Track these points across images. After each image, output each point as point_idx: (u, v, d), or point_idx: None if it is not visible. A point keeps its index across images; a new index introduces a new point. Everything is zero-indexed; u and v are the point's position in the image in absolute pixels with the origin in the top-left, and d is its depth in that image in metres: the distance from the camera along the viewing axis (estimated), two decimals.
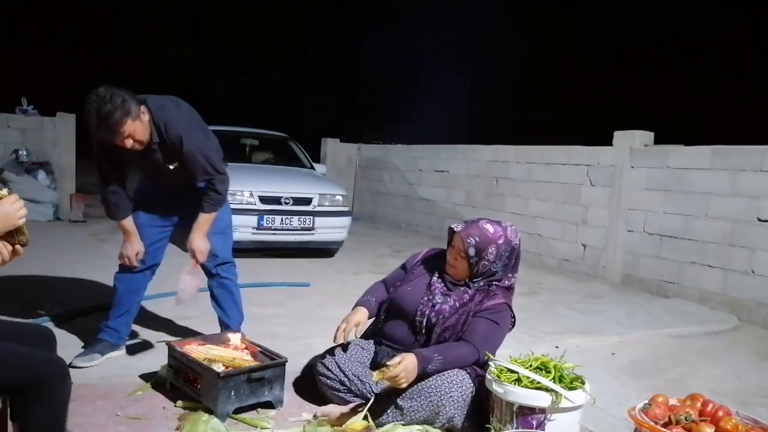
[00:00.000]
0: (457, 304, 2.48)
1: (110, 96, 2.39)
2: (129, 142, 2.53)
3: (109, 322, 3.01)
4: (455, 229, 2.51)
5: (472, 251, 2.45)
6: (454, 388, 2.31)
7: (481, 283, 2.52)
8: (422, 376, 2.30)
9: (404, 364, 2.24)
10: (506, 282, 2.57)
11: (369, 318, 2.66)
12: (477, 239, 2.46)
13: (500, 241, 2.49)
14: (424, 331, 2.49)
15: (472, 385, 2.35)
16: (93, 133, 2.50)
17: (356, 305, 2.66)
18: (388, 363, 2.29)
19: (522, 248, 2.65)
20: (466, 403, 2.33)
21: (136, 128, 2.51)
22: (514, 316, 2.61)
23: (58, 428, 1.81)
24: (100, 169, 2.80)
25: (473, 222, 2.55)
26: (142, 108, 2.54)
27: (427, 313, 2.49)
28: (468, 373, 2.37)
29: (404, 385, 2.27)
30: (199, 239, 2.86)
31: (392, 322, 2.61)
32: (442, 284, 2.56)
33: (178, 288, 2.98)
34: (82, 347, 3.05)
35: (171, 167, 2.77)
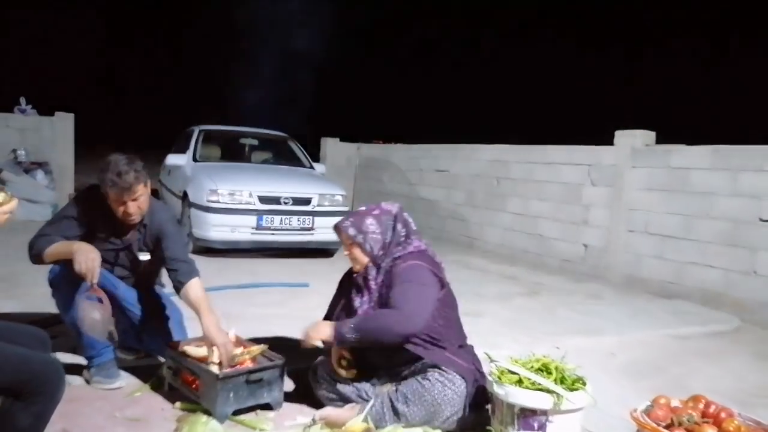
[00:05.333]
0: (367, 296, 2.50)
1: (131, 160, 2.58)
2: (132, 206, 2.60)
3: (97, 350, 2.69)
4: (335, 225, 2.60)
5: (351, 231, 2.50)
6: (448, 387, 2.31)
7: (382, 264, 2.49)
8: (400, 371, 2.38)
9: (319, 329, 2.39)
10: (407, 250, 2.51)
11: None
12: (352, 219, 2.54)
13: (375, 212, 2.55)
14: None
15: (464, 382, 2.35)
16: (104, 189, 2.55)
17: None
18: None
19: (410, 219, 2.62)
20: (462, 401, 2.34)
21: (143, 194, 2.63)
22: (437, 276, 2.48)
23: (41, 430, 1.80)
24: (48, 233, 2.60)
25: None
26: (148, 183, 2.68)
27: None
28: (459, 372, 2.36)
29: (315, 341, 2.40)
30: (219, 332, 2.50)
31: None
32: (354, 288, 2.56)
33: (86, 323, 2.49)
34: (87, 365, 2.75)
35: (141, 258, 2.80)
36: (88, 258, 2.41)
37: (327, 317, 2.68)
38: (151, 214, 2.77)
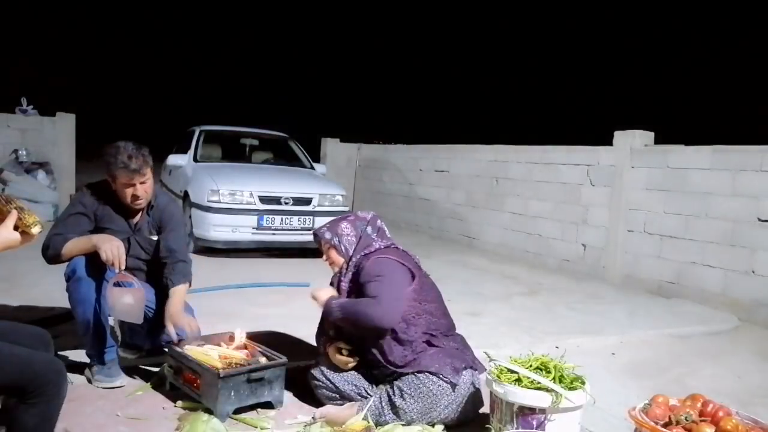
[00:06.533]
0: (338, 293, 2.59)
1: (138, 146, 2.68)
2: (141, 189, 2.68)
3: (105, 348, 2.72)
4: (313, 232, 2.75)
5: (328, 235, 2.64)
6: (442, 379, 2.35)
7: (355, 260, 2.58)
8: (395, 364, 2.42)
9: (320, 293, 2.57)
10: (375, 246, 2.59)
11: None
12: (328, 225, 2.70)
13: (350, 218, 2.70)
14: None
15: (456, 373, 2.38)
16: (113, 172, 2.62)
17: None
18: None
19: (380, 221, 2.72)
20: (459, 397, 2.37)
21: (150, 178, 2.73)
22: (406, 266, 2.53)
23: (49, 429, 1.81)
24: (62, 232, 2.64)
25: None
26: (152, 168, 2.79)
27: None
28: (456, 368, 2.39)
29: (315, 300, 2.56)
30: (182, 315, 2.66)
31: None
32: (334, 288, 2.64)
33: (117, 309, 2.56)
34: (90, 364, 2.76)
35: (153, 238, 2.86)
36: (112, 246, 2.48)
37: (322, 320, 2.72)
38: (156, 196, 2.88)
